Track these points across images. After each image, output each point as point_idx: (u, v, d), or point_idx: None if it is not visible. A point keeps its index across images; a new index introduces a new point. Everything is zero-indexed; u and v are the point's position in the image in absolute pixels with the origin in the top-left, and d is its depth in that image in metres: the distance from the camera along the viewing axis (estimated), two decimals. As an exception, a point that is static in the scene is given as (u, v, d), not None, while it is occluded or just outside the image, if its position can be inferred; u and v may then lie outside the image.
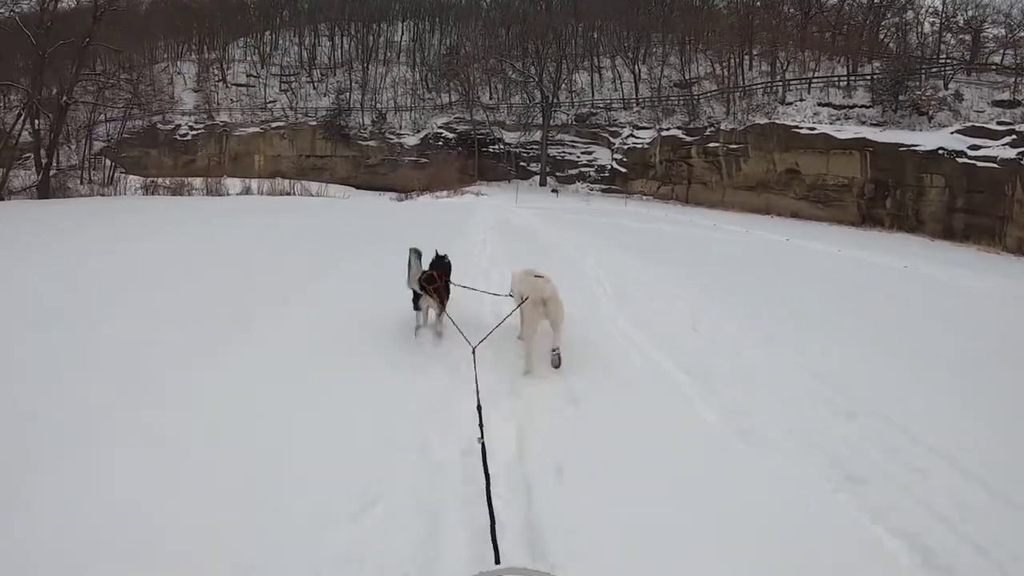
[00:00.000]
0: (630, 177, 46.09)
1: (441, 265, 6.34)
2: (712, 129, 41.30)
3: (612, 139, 48.26)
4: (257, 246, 12.42)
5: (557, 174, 49.86)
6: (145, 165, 61.71)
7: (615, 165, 47.07)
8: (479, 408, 3.82)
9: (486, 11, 65.20)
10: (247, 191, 39.60)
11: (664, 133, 44.06)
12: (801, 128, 36.11)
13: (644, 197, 43.54)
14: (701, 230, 23.01)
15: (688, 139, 42.72)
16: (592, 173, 48.60)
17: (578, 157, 49.74)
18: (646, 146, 45.32)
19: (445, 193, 41.91)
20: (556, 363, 5.30)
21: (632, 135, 46.75)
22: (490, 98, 57.43)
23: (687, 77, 48.86)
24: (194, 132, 64.27)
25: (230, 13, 71.35)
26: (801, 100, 39.48)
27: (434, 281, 5.76)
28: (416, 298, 5.82)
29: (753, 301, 8.91)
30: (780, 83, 40.79)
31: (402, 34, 70.00)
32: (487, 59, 54.00)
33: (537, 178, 50.24)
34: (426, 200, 38.45)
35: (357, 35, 69.79)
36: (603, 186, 47.42)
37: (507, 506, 3.30)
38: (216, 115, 64.98)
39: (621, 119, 49.22)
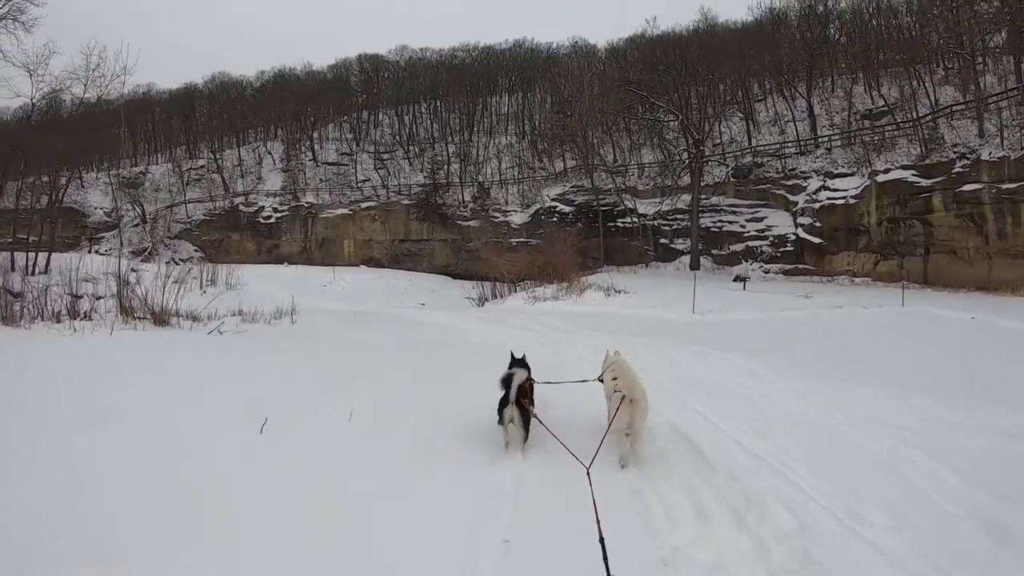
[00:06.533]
0: (828, 250, 31.84)
1: (520, 366, 5.73)
2: (966, 162, 26.75)
3: (792, 196, 34.56)
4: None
5: (713, 251, 36.58)
6: (227, 250, 55.87)
7: (802, 233, 33.04)
8: (602, 541, 3.26)
9: (603, 63, 53.67)
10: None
11: (881, 178, 29.65)
12: None
13: (854, 279, 29.51)
14: None
15: (924, 182, 27.96)
16: (766, 248, 34.74)
17: (743, 226, 36.24)
18: (851, 201, 30.98)
19: (551, 290, 26.28)
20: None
21: (824, 187, 32.68)
22: (614, 160, 45.80)
23: (884, 99, 35.30)
24: (278, 215, 57.45)
25: (331, 92, 65.33)
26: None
27: (524, 391, 5.30)
28: (501, 407, 5.20)
29: None
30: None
31: (508, 105, 61.22)
32: (607, 100, 41.53)
33: (686, 259, 37.08)
34: (514, 306, 24.07)
35: (459, 107, 62.42)
36: (784, 265, 33.38)
37: None
38: (302, 196, 57.65)
39: (802, 167, 35.41)
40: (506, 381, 5.26)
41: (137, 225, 58.89)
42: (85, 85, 25.16)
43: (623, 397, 4.99)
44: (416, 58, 66.96)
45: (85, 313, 11.29)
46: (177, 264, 40.93)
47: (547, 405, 6.07)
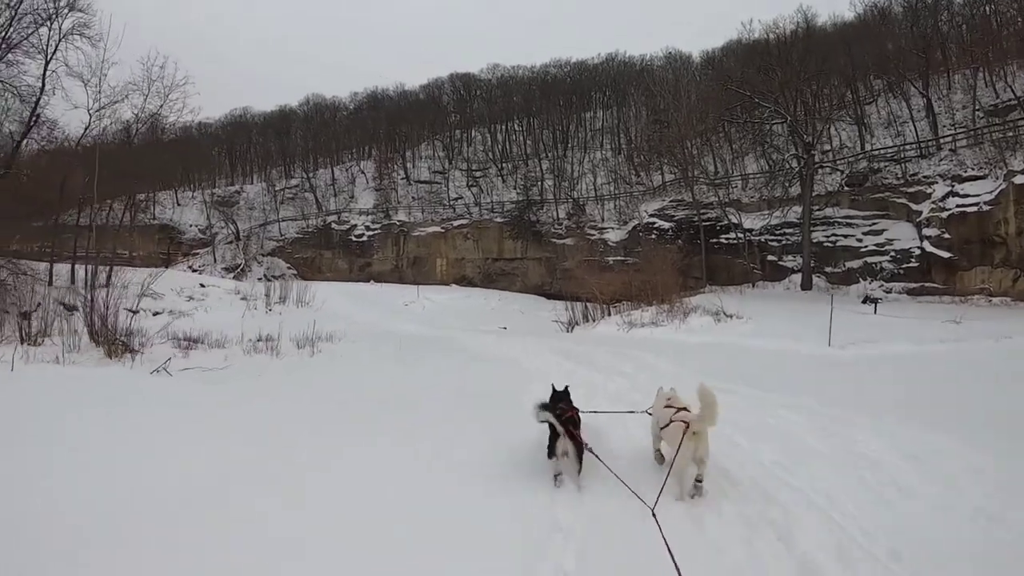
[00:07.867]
0: (959, 265, 28.55)
1: (563, 399, 5.51)
2: None
3: (915, 204, 31.51)
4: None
5: (826, 269, 33.93)
6: (319, 267, 57.38)
7: (928, 246, 29.95)
8: None
9: (698, 72, 51.46)
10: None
11: (1019, 179, 25.99)
12: None
13: (991, 299, 26.31)
14: None
15: (1071, 186, 24.51)
16: (886, 264, 31.81)
17: (859, 240, 33.42)
18: (984, 207, 27.51)
19: (650, 314, 23.37)
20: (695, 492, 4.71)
21: (953, 192, 29.34)
22: (716, 171, 43.59)
23: (1012, 91, 31.50)
24: (370, 233, 58.22)
25: (423, 111, 66.23)
26: None
27: (574, 422, 5.15)
28: (552, 442, 5.02)
29: None
30: None
31: (603, 119, 60.29)
32: (707, 105, 39.47)
33: (796, 277, 34.52)
34: (606, 332, 21.60)
35: (552, 123, 62.16)
36: (908, 283, 30.39)
37: None
38: (394, 214, 58.13)
39: (925, 171, 32.08)
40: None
41: (231, 242, 61.16)
42: (146, 97, 25.18)
43: (686, 427, 4.63)
44: (508, 76, 66.68)
45: (33, 337, 10.20)
46: (270, 280, 41.57)
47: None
